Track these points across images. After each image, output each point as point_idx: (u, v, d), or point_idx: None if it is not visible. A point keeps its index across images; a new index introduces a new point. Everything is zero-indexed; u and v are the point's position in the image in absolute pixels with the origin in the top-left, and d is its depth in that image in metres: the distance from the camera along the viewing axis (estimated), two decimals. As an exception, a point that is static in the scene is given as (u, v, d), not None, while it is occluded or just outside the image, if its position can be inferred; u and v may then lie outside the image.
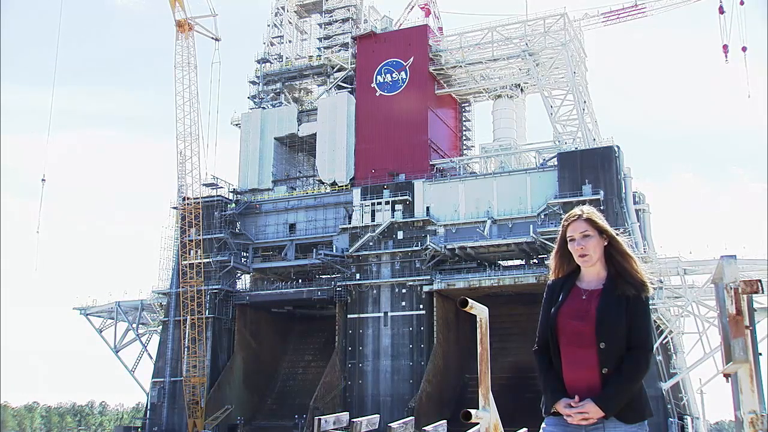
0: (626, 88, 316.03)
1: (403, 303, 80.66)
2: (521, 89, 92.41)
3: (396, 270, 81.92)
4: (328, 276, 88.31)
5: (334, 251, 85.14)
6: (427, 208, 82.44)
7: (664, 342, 71.23)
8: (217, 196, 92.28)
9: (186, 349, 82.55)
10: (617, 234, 4.83)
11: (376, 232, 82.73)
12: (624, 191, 76.99)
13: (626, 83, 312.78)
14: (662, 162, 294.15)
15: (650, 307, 4.83)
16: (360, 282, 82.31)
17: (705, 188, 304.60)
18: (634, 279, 4.64)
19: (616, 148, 77.98)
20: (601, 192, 74.70)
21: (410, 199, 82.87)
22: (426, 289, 79.57)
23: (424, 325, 79.22)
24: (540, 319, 4.84)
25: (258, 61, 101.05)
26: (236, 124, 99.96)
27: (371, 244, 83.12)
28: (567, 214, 4.91)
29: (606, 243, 4.75)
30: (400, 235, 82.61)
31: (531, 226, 77.23)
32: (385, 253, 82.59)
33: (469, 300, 5.21)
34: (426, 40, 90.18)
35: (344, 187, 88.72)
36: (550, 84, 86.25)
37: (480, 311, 5.55)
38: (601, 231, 4.74)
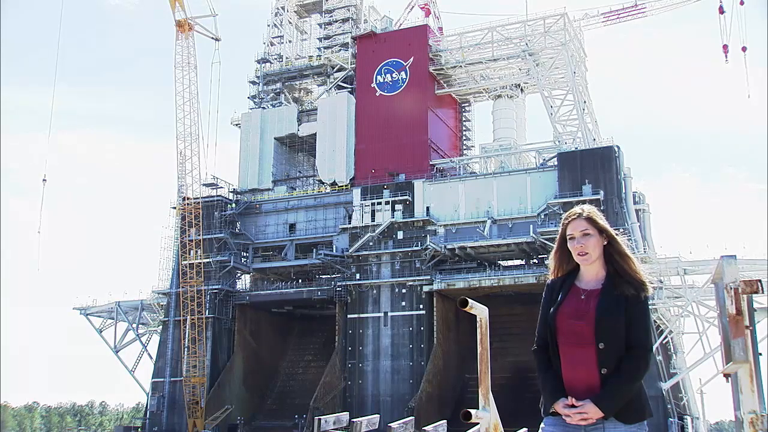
0: (626, 88, 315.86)
1: (403, 303, 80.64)
2: (521, 89, 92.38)
3: (396, 270, 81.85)
4: (328, 276, 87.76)
5: (334, 251, 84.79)
6: (427, 208, 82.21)
7: (664, 342, 71.14)
8: (217, 196, 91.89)
9: (186, 349, 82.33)
10: (617, 234, 4.80)
11: (376, 232, 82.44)
12: (624, 191, 76.92)
13: (626, 83, 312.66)
14: (662, 162, 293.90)
15: (650, 307, 4.81)
16: (360, 282, 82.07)
17: (704, 188, 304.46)
18: (633, 279, 4.62)
19: (616, 148, 77.91)
20: (601, 192, 74.54)
21: (410, 199, 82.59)
22: (426, 289, 79.51)
23: (424, 325, 79.17)
24: (539, 318, 4.81)
25: (258, 61, 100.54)
26: (236, 124, 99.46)
27: (371, 244, 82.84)
28: (567, 213, 4.89)
29: (606, 242, 4.72)
30: (400, 235, 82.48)
31: (531, 226, 77.09)
32: (385, 253, 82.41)
33: (469, 300, 5.19)
34: (426, 40, 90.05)
35: (344, 187, 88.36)
36: (550, 84, 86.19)
37: (480, 311, 5.54)
38: (601, 230, 4.71)
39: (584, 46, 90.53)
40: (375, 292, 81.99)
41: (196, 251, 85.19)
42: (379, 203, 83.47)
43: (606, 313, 4.50)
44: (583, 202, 75.72)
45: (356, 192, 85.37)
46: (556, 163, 79.34)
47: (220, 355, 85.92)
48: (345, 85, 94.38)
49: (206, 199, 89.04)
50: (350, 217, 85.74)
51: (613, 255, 4.71)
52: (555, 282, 4.86)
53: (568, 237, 4.77)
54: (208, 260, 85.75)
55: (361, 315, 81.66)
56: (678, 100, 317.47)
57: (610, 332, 4.47)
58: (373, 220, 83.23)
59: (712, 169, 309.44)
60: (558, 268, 4.90)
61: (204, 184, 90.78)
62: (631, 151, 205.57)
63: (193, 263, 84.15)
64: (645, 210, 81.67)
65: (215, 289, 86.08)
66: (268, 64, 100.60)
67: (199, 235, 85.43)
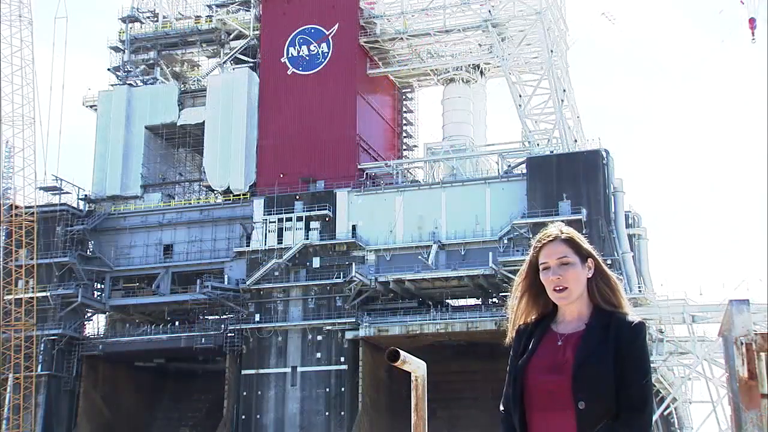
0: (617, 73, 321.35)
1: (318, 355, 79.81)
2: (481, 72, 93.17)
3: (309, 310, 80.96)
4: (217, 317, 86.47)
5: (226, 283, 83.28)
6: (353, 226, 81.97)
7: (665, 413, 72.08)
8: (61, 204, 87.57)
9: (5, 421, 77.28)
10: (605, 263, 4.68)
11: (284, 258, 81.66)
12: (614, 210, 78.16)
13: (617, 67, 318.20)
14: (662, 172, 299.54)
15: (649, 355, 4.73)
16: (260, 325, 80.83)
17: (716, 207, 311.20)
18: (625, 318, 4.52)
19: (603, 153, 79.07)
20: (584, 210, 75.12)
21: (331, 214, 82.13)
22: (350, 336, 78.37)
23: (346, 385, 78.41)
24: (507, 374, 4.67)
25: (123, 20, 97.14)
26: (91, 106, 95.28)
27: (277, 274, 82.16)
28: (539, 234, 4.74)
29: (590, 273, 4.62)
30: (316, 262, 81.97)
31: (490, 253, 77.75)
32: (295, 286, 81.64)
33: (401, 352, 5.08)
34: (356, 1, 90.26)
35: (241, 197, 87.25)
36: (519, 66, 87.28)
37: (415, 367, 5.43)
38: (585, 256, 4.62)
39: (565, 17, 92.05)
40: (280, 339, 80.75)
41: (27, 281, 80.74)
42: (289, 219, 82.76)
43: (587, 362, 4.38)
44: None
45: (258, 203, 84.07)
46: (524, 170, 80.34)
47: (57, 428, 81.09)
48: (245, 58, 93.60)
49: (45, 209, 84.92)
50: (249, 238, 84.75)
51: (598, 288, 4.62)
52: (526, 327, 4.73)
53: (540, 267, 4.64)
54: (44, 293, 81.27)
55: (261, 371, 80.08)
56: (683, 89, 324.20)
57: (593, 388, 4.33)
58: (280, 241, 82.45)
59: (727, 184, 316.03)
60: (526, 311, 4.74)
61: (42, 188, 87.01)
62: (624, 157, 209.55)
63: (21, 298, 79.56)
64: (641, 236, 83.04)
65: (53, 335, 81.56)
66: (137, 25, 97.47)
67: (32, 258, 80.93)
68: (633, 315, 4.56)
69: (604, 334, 4.48)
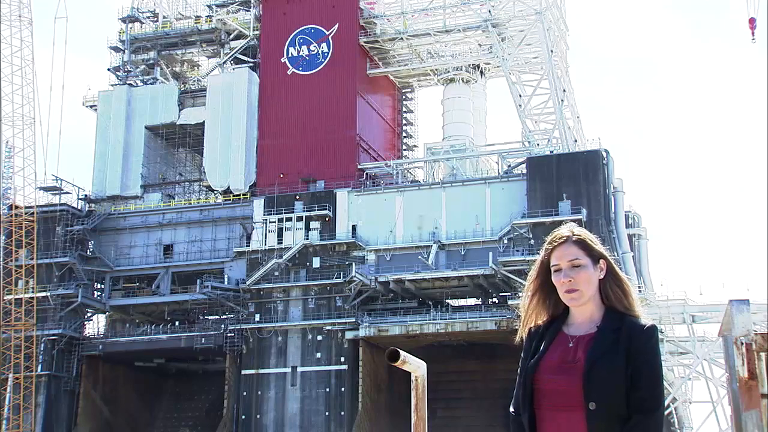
0: (618, 75, 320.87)
1: (318, 355, 79.97)
2: (481, 72, 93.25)
3: (309, 310, 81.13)
4: (217, 317, 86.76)
5: (226, 283, 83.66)
6: (353, 227, 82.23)
7: (665, 413, 72.23)
8: (61, 204, 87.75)
9: (5, 422, 77.24)
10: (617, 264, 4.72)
11: (284, 258, 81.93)
12: (614, 210, 78.32)
13: (619, 69, 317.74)
14: (663, 173, 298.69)
15: (661, 358, 4.76)
16: (260, 325, 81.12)
17: (717, 208, 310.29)
18: (636, 320, 4.57)
19: (603, 153, 79.28)
20: (584, 210, 75.26)
21: (331, 214, 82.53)
22: (350, 336, 78.72)
23: (345, 385, 78.57)
24: (518, 375, 4.73)
25: (123, 20, 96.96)
26: (91, 106, 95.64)
27: (277, 274, 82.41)
28: (551, 236, 4.78)
29: (603, 275, 4.67)
30: (316, 262, 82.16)
31: (490, 253, 77.94)
32: (295, 286, 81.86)
33: (401, 352, 5.16)
34: (356, 1, 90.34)
35: (241, 197, 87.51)
36: (519, 66, 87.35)
37: (415, 367, 5.51)
38: (597, 258, 4.66)
39: (565, 17, 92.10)
40: (280, 339, 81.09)
41: (27, 281, 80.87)
42: (289, 219, 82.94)
43: (598, 363, 4.43)
44: (560, 222, 75.04)
45: (258, 203, 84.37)
46: (524, 170, 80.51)
47: (57, 428, 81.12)
48: (245, 58, 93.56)
49: (45, 209, 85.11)
50: (249, 238, 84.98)
51: (611, 290, 4.67)
52: (537, 329, 4.79)
53: (552, 269, 4.70)
54: (44, 294, 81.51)
55: (261, 371, 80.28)
56: (683, 89, 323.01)
57: (604, 389, 4.39)
58: (280, 241, 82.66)
59: (727, 184, 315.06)
60: (536, 312, 4.79)
61: (42, 188, 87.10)
62: (624, 157, 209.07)
63: (21, 299, 79.66)
64: (641, 235, 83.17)
65: (53, 335, 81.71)
66: (137, 25, 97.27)
67: (32, 258, 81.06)
68: (645, 318, 4.59)
69: (616, 337, 4.50)
